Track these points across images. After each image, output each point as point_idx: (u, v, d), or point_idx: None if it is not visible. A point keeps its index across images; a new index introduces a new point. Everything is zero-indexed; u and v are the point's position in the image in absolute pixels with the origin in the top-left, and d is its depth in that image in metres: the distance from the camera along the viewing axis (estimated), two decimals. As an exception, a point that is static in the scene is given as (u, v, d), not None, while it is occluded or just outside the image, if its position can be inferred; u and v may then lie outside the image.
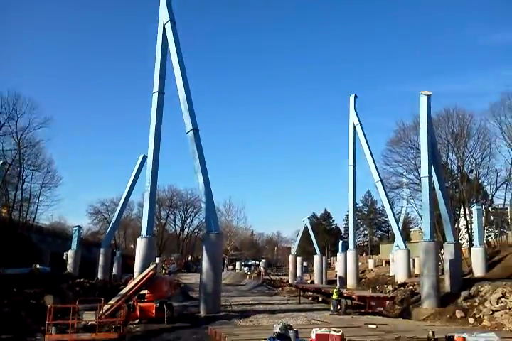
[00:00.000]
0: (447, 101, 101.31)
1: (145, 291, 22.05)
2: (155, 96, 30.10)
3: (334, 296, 26.62)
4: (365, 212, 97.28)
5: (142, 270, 24.51)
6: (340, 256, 50.52)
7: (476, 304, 25.19)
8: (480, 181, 47.98)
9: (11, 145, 49.14)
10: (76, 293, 29.70)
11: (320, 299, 34.82)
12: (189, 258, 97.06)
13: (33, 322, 19.79)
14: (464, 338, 14.19)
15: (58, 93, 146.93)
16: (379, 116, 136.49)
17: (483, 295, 25.73)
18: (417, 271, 39.22)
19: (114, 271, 49.52)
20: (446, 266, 30.69)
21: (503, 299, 24.00)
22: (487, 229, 49.98)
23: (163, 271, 53.83)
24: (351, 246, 47.14)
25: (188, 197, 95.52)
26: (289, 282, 54.56)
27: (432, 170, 30.87)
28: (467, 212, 44.80)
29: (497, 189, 46.32)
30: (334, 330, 13.93)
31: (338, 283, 45.08)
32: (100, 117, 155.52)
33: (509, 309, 22.75)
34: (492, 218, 51.79)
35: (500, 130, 43.68)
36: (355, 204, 51.04)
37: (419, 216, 45.30)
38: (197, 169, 27.92)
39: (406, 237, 53.22)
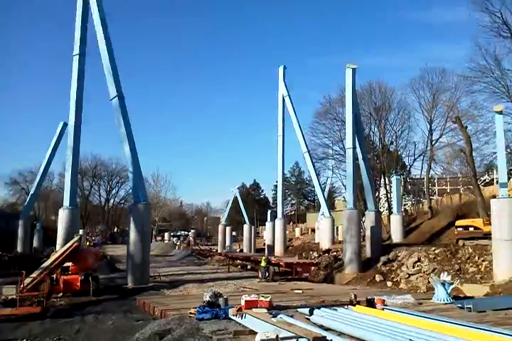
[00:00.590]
0: (371, 75, 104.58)
1: (69, 264, 21.21)
2: (75, 59, 28.06)
3: (262, 264, 27.20)
4: (293, 182, 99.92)
5: (65, 242, 23.46)
6: (268, 225, 51.60)
7: (394, 268, 26.85)
8: (399, 153, 50.58)
9: None
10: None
11: (249, 267, 35.51)
12: (115, 229, 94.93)
13: None
14: (383, 300, 15.06)
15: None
16: (307, 88, 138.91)
17: (400, 259, 27.45)
18: (340, 238, 41.01)
19: (35, 243, 47.17)
20: (368, 233, 32.31)
21: (418, 263, 25.75)
22: (405, 198, 53.22)
23: (88, 243, 52.15)
24: (279, 215, 48.19)
25: (114, 167, 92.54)
26: (219, 251, 55.04)
27: (356, 142, 31.90)
28: (387, 181, 47.18)
29: (414, 160, 49.12)
30: (263, 296, 14.23)
31: (266, 251, 46.23)
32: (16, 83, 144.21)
33: (424, 272, 24.45)
34: (409, 188, 55.07)
35: (419, 104, 45.86)
36: (283, 174, 51.92)
37: (343, 185, 47.20)
38: (123, 137, 26.75)
39: (331, 206, 55.29)
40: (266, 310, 12.79)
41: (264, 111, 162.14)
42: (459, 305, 14.82)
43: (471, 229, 27.65)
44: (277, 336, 9.43)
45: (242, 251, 55.62)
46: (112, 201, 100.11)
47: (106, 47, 27.18)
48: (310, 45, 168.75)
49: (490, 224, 25.55)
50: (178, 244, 70.10)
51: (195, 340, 10.50)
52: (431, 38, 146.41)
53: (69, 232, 25.54)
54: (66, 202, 27.06)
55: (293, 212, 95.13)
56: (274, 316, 11.71)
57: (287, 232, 55.17)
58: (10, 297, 16.39)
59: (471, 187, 35.93)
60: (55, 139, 42.81)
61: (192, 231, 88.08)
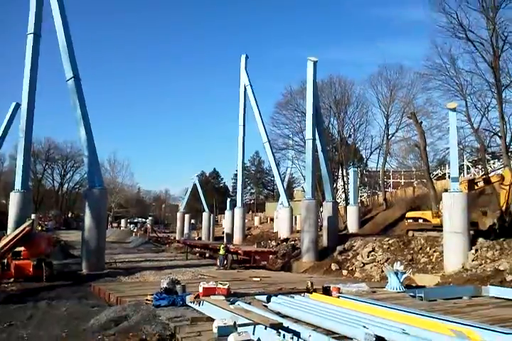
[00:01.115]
0: (332, 68, 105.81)
1: (21, 248, 20.52)
2: (30, 39, 26.73)
3: (221, 252, 27.23)
4: (253, 172, 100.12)
5: (16, 226, 22.62)
6: (227, 213, 51.60)
7: (350, 257, 27.52)
8: (357, 146, 51.63)
9: None
10: None
11: (207, 255, 35.47)
12: (69, 215, 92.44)
13: None
14: (338, 288, 15.40)
15: None
16: (270, 79, 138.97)
17: (355, 249, 28.15)
18: (298, 228, 41.53)
19: (-17, 228, 45.27)
20: (325, 223, 32.92)
21: (372, 253, 26.49)
22: (361, 190, 54.39)
23: (40, 227, 50.55)
24: (239, 204, 48.27)
25: (68, 150, 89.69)
26: (177, 239, 54.69)
27: (316, 134, 32.30)
28: (345, 173, 48.12)
29: (371, 153, 50.37)
30: (221, 283, 14.21)
31: (225, 240, 46.28)
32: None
33: (378, 262, 25.19)
34: (366, 180, 56.40)
35: (376, 99, 46.93)
36: (243, 163, 51.90)
37: (303, 176, 47.85)
38: (78, 120, 25.90)
39: (290, 196, 55.88)
40: (224, 297, 12.79)
41: (226, 100, 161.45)
42: (411, 294, 15.33)
43: (421, 220, 28.52)
44: (235, 323, 9.46)
45: (200, 239, 55.50)
46: (66, 185, 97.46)
47: (61, 24, 26.11)
48: (274, 37, 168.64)
49: (438, 216, 26.62)
50: (135, 230, 69.20)
51: (152, 327, 10.38)
52: (391, 34, 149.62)
53: (20, 216, 24.63)
54: (18, 185, 26.04)
55: (252, 201, 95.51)
56: (232, 303, 11.74)
57: (246, 221, 55.43)
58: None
59: (425, 180, 37.11)
60: (6, 120, 40.94)
61: (150, 218, 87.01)
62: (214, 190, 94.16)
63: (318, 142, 33.09)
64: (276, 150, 50.84)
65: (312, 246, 29.50)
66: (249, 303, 12.26)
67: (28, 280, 19.85)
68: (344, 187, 49.27)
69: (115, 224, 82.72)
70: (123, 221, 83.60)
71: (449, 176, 32.01)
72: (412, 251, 25.15)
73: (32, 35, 26.70)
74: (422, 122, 35.22)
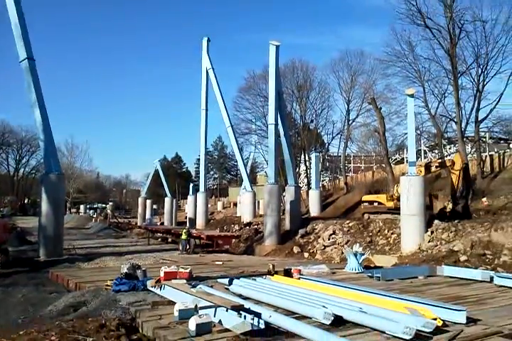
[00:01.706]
0: (295, 53, 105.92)
1: (-26, 235, 19.76)
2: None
3: (183, 236, 27.11)
4: (216, 157, 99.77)
5: (-32, 213, 21.75)
6: (190, 198, 51.29)
7: (311, 240, 28.01)
8: (319, 131, 52.24)
9: None
10: None
11: (169, 240, 35.26)
12: (26, 200, 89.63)
13: None
14: (299, 270, 15.63)
15: None
16: (233, 64, 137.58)
17: (317, 232, 28.66)
18: (261, 212, 41.82)
19: None
20: (287, 207, 33.26)
21: (333, 235, 27.05)
22: (323, 174, 55.24)
23: (-5, 214, 48.81)
24: (201, 188, 48.04)
25: (23, 134, 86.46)
26: (138, 224, 54.00)
27: (278, 119, 32.37)
28: (307, 158, 48.63)
29: (333, 138, 51.16)
30: (182, 268, 14.15)
31: (187, 225, 46.06)
32: None
33: (338, 244, 25.76)
34: (327, 164, 57.25)
35: (338, 85, 47.47)
36: (206, 148, 51.55)
37: (265, 161, 47.90)
38: (33, 103, 24.85)
39: (253, 181, 56.07)
40: (185, 281, 12.74)
41: (189, 84, 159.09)
42: (369, 275, 15.73)
43: (376, 204, 29.27)
44: (196, 305, 9.45)
45: (162, 224, 54.98)
46: (22, 171, 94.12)
47: (14, 4, 24.81)
48: (237, 21, 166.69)
49: (393, 200, 27.41)
50: (94, 216, 67.80)
51: (112, 312, 10.24)
52: (353, 20, 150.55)
53: (-27, 202, 23.69)
54: (-30, 170, 24.97)
55: (215, 186, 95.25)
56: (194, 287, 11.71)
57: (209, 206, 55.35)
58: None
59: (384, 165, 38.04)
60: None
61: (110, 203, 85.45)
62: (176, 174, 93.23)
63: (280, 127, 33.19)
64: (239, 135, 50.86)
65: (275, 229, 29.79)
66: (211, 286, 12.26)
67: (-18, 267, 19.17)
68: (306, 172, 49.86)
69: (74, 210, 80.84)
70: (82, 206, 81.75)
71: (406, 161, 32.93)
72: (371, 234, 25.82)
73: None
74: (381, 108, 35.96)
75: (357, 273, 16.90)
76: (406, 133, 27.99)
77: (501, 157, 32.23)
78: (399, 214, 26.09)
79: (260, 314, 8.81)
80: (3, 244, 21.70)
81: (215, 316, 9.11)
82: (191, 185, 54.70)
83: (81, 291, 12.71)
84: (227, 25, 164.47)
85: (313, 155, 43.71)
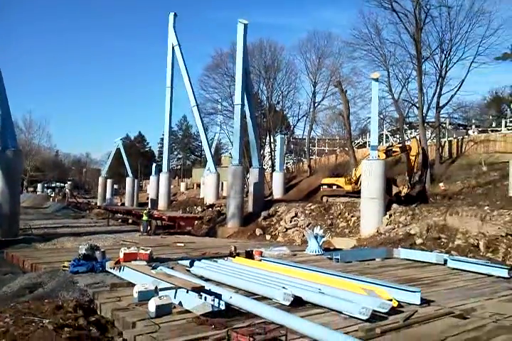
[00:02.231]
0: (263, 33, 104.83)
1: None
2: None
3: (144, 217, 26.77)
4: (180, 137, 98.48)
5: None
6: (153, 178, 50.56)
7: (274, 223, 28.24)
8: (285, 113, 52.23)
9: None
10: None
11: (130, 221, 34.82)
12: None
13: None
14: (260, 252, 15.78)
15: None
16: (199, 41, 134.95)
17: (279, 214, 28.90)
18: (224, 194, 41.75)
19: None
20: (251, 189, 33.31)
21: (295, 218, 27.35)
22: (287, 157, 55.56)
23: None
24: (164, 169, 47.37)
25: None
26: (98, 205, 52.97)
27: (245, 99, 32.07)
28: (272, 140, 48.65)
29: (298, 121, 51.23)
30: (143, 249, 13.99)
31: (149, 205, 45.49)
32: None
33: (300, 227, 26.08)
34: (292, 147, 57.53)
35: (305, 67, 47.26)
36: (170, 127, 50.69)
37: (230, 142, 47.63)
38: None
39: (217, 162, 55.75)
40: (145, 263, 12.62)
41: (155, 61, 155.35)
42: (329, 256, 16.07)
43: (334, 187, 29.74)
44: (156, 287, 9.39)
45: (123, 204, 54.18)
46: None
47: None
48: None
49: (351, 183, 27.94)
50: (52, 195, 66.16)
51: (69, 293, 10.06)
52: (323, 1, 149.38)
53: None
54: None
55: (179, 167, 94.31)
56: (154, 268, 11.61)
57: (172, 187, 54.77)
58: None
59: (347, 148, 38.55)
60: None
61: (69, 182, 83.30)
62: (139, 154, 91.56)
63: (247, 108, 32.93)
64: (205, 114, 50.13)
65: (237, 211, 29.83)
66: (172, 268, 12.20)
67: None
68: (271, 154, 49.93)
69: (31, 189, 78.56)
70: (39, 185, 79.46)
71: (369, 144, 33.42)
72: (331, 216, 26.25)
73: None
74: (346, 91, 36.18)
75: (317, 255, 17.22)
76: (369, 118, 28.29)
77: (459, 143, 33.23)
78: (357, 197, 26.70)
79: (221, 295, 8.84)
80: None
81: (175, 298, 9.08)
82: (154, 165, 53.80)
83: (37, 272, 12.43)
84: (196, 1, 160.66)
85: (278, 137, 43.70)
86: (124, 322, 8.16)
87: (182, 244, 19.85)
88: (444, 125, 36.82)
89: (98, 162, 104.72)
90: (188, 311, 8.59)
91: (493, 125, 41.53)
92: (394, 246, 18.62)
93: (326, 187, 30.62)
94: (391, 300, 9.17)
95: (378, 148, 25.50)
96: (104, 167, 68.70)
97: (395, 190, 25.87)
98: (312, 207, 27.77)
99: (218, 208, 35.96)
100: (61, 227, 29.38)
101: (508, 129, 33.63)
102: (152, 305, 8.25)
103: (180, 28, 48.01)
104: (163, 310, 8.36)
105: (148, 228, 26.63)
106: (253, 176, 33.64)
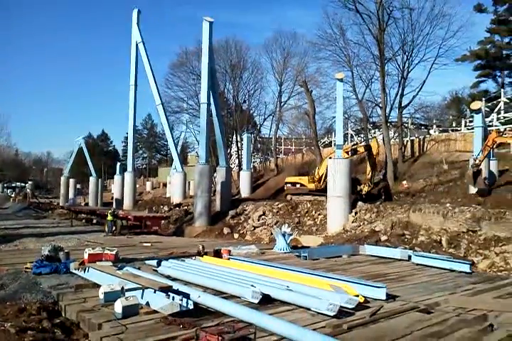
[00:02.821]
0: (229, 31, 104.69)
1: None
2: None
3: (109, 217, 26.26)
4: (145, 135, 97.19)
5: None
6: (117, 178, 49.60)
7: (241, 221, 28.22)
8: (251, 112, 52.32)
9: None
10: None
11: (94, 221, 34.09)
12: None
13: None
14: (229, 250, 15.73)
15: None
16: (165, 39, 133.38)
17: (247, 213, 28.90)
18: (191, 193, 41.45)
19: None
20: (218, 188, 33.19)
21: (263, 216, 27.43)
22: (254, 156, 55.65)
23: None
24: (129, 168, 46.55)
25: None
26: (61, 205, 51.61)
27: (211, 98, 31.94)
28: (239, 139, 48.65)
29: (265, 120, 51.50)
30: (108, 249, 13.73)
31: (114, 205, 44.67)
32: None
33: (267, 225, 26.15)
34: (259, 146, 57.70)
35: (271, 66, 47.49)
36: (135, 126, 49.73)
37: (197, 141, 47.31)
38: None
39: (183, 161, 55.32)
40: (111, 263, 12.38)
41: (119, 58, 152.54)
42: (297, 254, 16.20)
43: (298, 185, 30.03)
44: (122, 288, 9.23)
45: (87, 204, 52.97)
46: None
47: None
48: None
49: (314, 181, 28.33)
50: (13, 196, 64.05)
51: (32, 295, 9.77)
52: (288, 0, 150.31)
53: None
54: None
55: (144, 166, 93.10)
56: (120, 269, 11.41)
57: (138, 186, 53.96)
58: None
59: (313, 147, 38.95)
60: None
61: (30, 182, 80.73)
62: (103, 153, 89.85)
63: (213, 106, 32.77)
64: (170, 113, 49.66)
65: (205, 210, 29.65)
66: (139, 268, 12.04)
67: None
68: (238, 153, 49.90)
69: (-11, 189, 75.78)
70: (-1, 185, 76.80)
71: (334, 144, 33.88)
72: (299, 215, 26.47)
73: None
74: (312, 91, 36.63)
75: (285, 252, 17.33)
76: (334, 117, 28.67)
77: (421, 142, 34.16)
78: (320, 195, 27.11)
79: (189, 295, 8.78)
80: None
81: (142, 298, 8.96)
82: (118, 164, 52.81)
83: (-2, 275, 11.99)
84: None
85: (245, 136, 43.70)
86: (90, 324, 8.00)
87: (149, 244, 19.59)
88: (407, 125, 37.74)
89: (60, 161, 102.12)
90: (155, 311, 8.49)
91: (454, 125, 42.88)
92: (360, 243, 18.96)
93: (289, 185, 30.88)
94: (358, 296, 9.33)
95: (344, 147, 25.88)
96: (66, 166, 66.89)
97: (359, 188, 26.37)
98: (279, 206, 27.91)
99: (185, 207, 35.67)
100: (23, 228, 28.56)
101: (468, 129, 34.73)
102: (118, 306, 8.11)
103: (145, 25, 47.33)
104: (130, 311, 8.23)
105: (114, 228, 26.14)
106: (220, 175, 33.55)
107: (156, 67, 46.98)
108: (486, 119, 32.32)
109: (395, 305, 9.41)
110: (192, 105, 49.71)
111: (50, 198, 65.98)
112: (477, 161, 21.93)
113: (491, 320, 8.29)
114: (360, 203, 23.84)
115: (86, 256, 12.71)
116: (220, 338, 5.86)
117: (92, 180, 56.07)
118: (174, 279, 11.04)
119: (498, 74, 51.08)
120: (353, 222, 22.38)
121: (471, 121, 33.12)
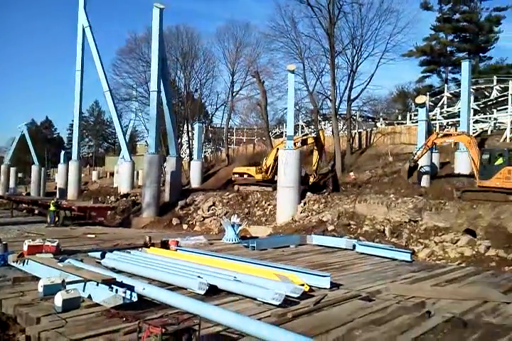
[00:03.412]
0: (181, 19, 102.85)
1: None
2: None
3: (51, 208, 25.35)
4: (92, 123, 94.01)
5: None
6: (61, 167, 47.79)
7: (191, 212, 27.95)
8: (203, 101, 51.68)
9: None
10: None
11: (36, 211, 32.77)
12: None
13: None
14: (176, 241, 15.59)
15: None
16: (112, 23, 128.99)
17: (197, 204, 28.66)
18: (140, 183, 40.63)
19: None
20: (168, 178, 32.65)
21: (213, 207, 27.30)
22: (205, 146, 55.22)
23: None
24: (74, 156, 44.91)
25: None
26: (0, 194, 49.19)
27: (161, 86, 31.29)
28: (190, 128, 48.07)
29: (216, 109, 51.05)
30: (49, 241, 13.24)
31: (57, 195, 43.08)
32: None
33: (217, 216, 26.06)
34: (210, 135, 57.28)
35: (223, 55, 47.01)
36: (81, 113, 47.97)
37: (146, 129, 46.26)
38: None
39: (132, 150, 54.01)
40: (52, 256, 11.92)
41: (64, 42, 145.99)
42: (245, 244, 16.27)
43: (246, 176, 30.14)
44: (63, 280, 8.91)
45: (29, 194, 50.75)
46: None
47: None
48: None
49: (261, 172, 28.56)
50: None
51: (-35, 291, 9.26)
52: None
53: None
54: None
55: (90, 155, 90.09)
56: (61, 261, 11.01)
57: (83, 175, 52.29)
58: None
59: (264, 138, 39.10)
60: None
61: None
62: (46, 141, 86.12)
63: (163, 95, 32.07)
64: (119, 100, 48.12)
65: (153, 201, 29.14)
66: (81, 261, 11.67)
67: None
68: (189, 143, 49.30)
69: None
70: None
71: (285, 134, 34.17)
72: (249, 205, 26.54)
73: None
74: (264, 82, 36.62)
75: (234, 243, 17.37)
76: (286, 108, 28.89)
77: (368, 134, 35.08)
78: (267, 186, 27.32)
79: (133, 287, 8.60)
80: None
81: (84, 291, 8.71)
82: (63, 152, 50.78)
83: None
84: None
85: (196, 126, 43.15)
86: (28, 318, 7.71)
87: (93, 235, 19.06)
88: (355, 117, 38.60)
89: (1, 148, 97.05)
90: (98, 304, 8.27)
91: (399, 118, 44.36)
92: (307, 233, 19.29)
93: (237, 176, 30.86)
94: (303, 285, 9.49)
95: (293, 138, 26.13)
96: (7, 154, 63.70)
97: (307, 179, 26.80)
98: (230, 196, 27.87)
99: (133, 198, 34.87)
100: (-44, 219, 26.98)
101: (412, 122, 36.00)
102: (58, 300, 7.85)
103: (92, 9, 45.34)
104: (71, 304, 7.98)
105: (56, 219, 25.25)
106: (170, 165, 32.99)
107: (104, 53, 45.44)
108: (430, 113, 33.67)
109: (339, 293, 9.64)
110: (141, 93, 48.48)
111: (-12, 187, 62.67)
112: (415, 157, 22.86)
113: (428, 306, 8.67)
114: (308, 194, 24.20)
115: (25, 248, 12.20)
116: (163, 330, 5.75)
117: (34, 168, 53.72)
118: (119, 271, 10.80)
119: (443, 69, 53.28)
120: (301, 213, 22.71)
121: (415, 115, 34.29)
